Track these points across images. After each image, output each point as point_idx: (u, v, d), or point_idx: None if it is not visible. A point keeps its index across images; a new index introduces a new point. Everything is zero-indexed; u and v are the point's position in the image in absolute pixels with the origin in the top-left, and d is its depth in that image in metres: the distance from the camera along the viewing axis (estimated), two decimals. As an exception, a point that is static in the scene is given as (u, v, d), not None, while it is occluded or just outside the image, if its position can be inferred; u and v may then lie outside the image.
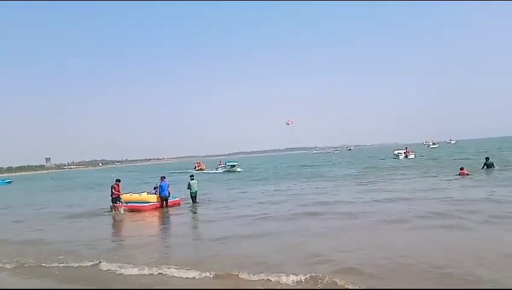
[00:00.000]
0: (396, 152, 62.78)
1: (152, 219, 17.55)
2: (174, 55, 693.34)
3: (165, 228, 15.24)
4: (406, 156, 57.34)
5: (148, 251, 11.12)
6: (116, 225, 16.63)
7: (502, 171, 27.13)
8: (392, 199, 17.75)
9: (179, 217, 17.19)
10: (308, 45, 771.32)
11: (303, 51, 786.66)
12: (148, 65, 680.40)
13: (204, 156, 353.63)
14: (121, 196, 19.57)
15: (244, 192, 25.78)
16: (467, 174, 25.47)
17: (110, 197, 19.58)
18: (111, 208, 19.59)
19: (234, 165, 57.67)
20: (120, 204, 19.34)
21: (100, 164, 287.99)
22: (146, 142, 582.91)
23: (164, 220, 16.95)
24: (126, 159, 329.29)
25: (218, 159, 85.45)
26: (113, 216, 18.46)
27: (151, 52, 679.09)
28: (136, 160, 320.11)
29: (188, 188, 21.02)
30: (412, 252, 9.17)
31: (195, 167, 67.92)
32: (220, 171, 56.35)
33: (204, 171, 60.47)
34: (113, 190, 19.48)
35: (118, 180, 20.09)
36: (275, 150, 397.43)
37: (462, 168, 26.43)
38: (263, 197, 22.23)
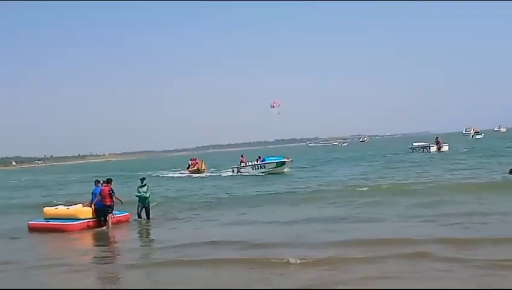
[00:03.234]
0: (416, 145, 51.87)
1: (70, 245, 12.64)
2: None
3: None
4: (439, 149, 46.85)
5: None
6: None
7: None
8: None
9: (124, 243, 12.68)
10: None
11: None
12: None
13: (162, 151, 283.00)
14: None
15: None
16: None
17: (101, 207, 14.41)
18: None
19: (284, 163, 34.66)
20: (111, 215, 14.27)
21: (14, 163, 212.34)
22: (79, 133, 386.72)
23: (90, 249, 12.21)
24: (51, 156, 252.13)
25: (179, 156, 53.61)
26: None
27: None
28: (66, 157, 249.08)
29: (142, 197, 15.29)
30: None
31: (188, 167, 42.93)
32: (248, 173, 35.20)
33: (206, 175, 38.79)
34: (111, 193, 14.14)
35: (110, 180, 14.64)
36: (259, 143, 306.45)
37: None
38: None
